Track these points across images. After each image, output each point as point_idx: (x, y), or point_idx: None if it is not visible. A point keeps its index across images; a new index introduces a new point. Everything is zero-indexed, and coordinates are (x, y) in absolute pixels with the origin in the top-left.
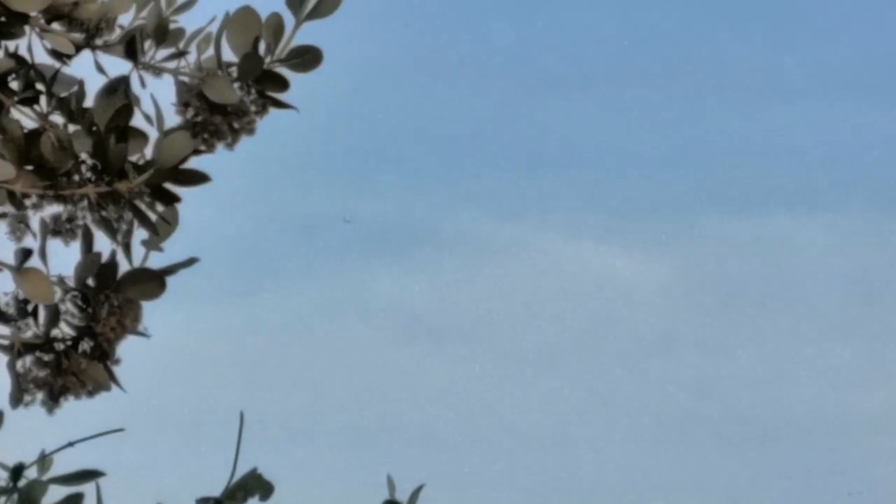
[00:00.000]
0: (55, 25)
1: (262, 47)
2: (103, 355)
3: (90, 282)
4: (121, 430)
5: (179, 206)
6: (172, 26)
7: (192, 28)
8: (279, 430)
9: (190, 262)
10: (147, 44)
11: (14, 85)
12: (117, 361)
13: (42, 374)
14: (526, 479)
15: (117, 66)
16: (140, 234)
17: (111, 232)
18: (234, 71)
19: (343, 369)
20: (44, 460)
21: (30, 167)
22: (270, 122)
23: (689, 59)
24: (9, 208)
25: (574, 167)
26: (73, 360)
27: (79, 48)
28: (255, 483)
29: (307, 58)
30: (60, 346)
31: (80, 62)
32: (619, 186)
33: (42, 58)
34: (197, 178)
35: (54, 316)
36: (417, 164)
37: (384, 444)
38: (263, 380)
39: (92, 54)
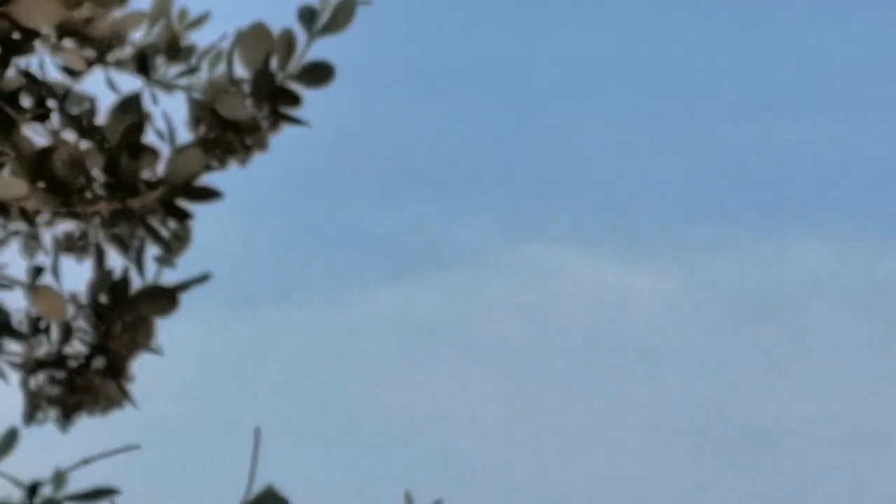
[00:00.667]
0: (67, 42)
1: (274, 63)
2: (116, 372)
3: (103, 299)
4: (137, 447)
5: (192, 223)
6: (184, 43)
7: (204, 44)
8: (292, 443)
9: (202, 278)
10: (159, 60)
11: (26, 102)
12: (131, 378)
13: (55, 391)
14: (540, 490)
15: (129, 82)
16: (152, 250)
17: (123, 249)
18: (246, 87)
19: (356, 383)
20: (59, 477)
21: (42, 184)
22: (281, 138)
23: (698, 75)
24: (21, 226)
25: (584, 185)
26: (85, 378)
27: (90, 65)
28: (271, 499)
29: (319, 73)
30: (73, 364)
31: (92, 79)
32: (628, 204)
33: (54, 75)
34: (209, 194)
35: (67, 333)
36: (431, 180)
37: (398, 457)
38: (277, 394)
39: (104, 71)
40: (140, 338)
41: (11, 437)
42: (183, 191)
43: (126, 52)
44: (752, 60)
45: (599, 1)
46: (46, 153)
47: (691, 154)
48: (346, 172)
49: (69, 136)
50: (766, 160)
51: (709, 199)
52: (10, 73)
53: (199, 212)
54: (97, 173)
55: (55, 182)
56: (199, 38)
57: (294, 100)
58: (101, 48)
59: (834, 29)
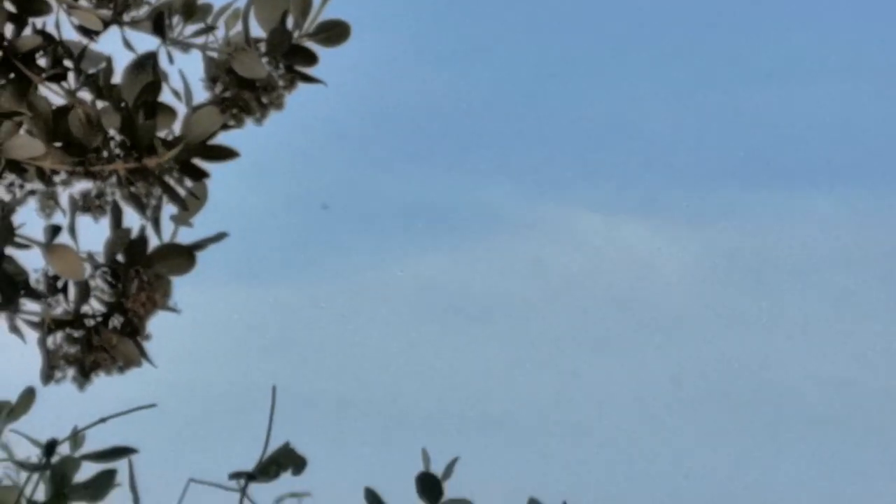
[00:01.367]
0: (83, 1)
1: (289, 22)
2: (134, 331)
3: (120, 258)
4: (153, 405)
5: (208, 182)
6: (200, 2)
7: (219, 3)
8: (310, 407)
9: (219, 237)
10: (175, 19)
11: (42, 62)
12: (148, 337)
13: (72, 350)
14: (555, 457)
15: (145, 42)
16: (169, 209)
17: (140, 208)
18: (262, 46)
19: (372, 348)
20: (76, 437)
21: (58, 144)
22: (299, 98)
23: (718, 33)
24: (38, 185)
25: (604, 144)
26: (103, 336)
27: (106, 24)
28: (288, 458)
29: (335, 32)
30: (91, 323)
31: (108, 38)
32: (649, 163)
33: (70, 34)
34: (225, 153)
35: (84, 292)
36: (449, 140)
37: (413, 421)
38: (294, 357)
39: (120, 30)
40: (157, 296)
41: (29, 396)
42: (199, 150)
43: (142, 11)
44: (771, 23)
45: None
46: (63, 113)
47: (711, 116)
48: (366, 132)
49: (85, 95)
50: (787, 123)
51: (729, 162)
52: (27, 32)
53: (216, 171)
54: (113, 133)
55: (71, 142)
56: None
57: (310, 58)
58: (117, 8)
59: None
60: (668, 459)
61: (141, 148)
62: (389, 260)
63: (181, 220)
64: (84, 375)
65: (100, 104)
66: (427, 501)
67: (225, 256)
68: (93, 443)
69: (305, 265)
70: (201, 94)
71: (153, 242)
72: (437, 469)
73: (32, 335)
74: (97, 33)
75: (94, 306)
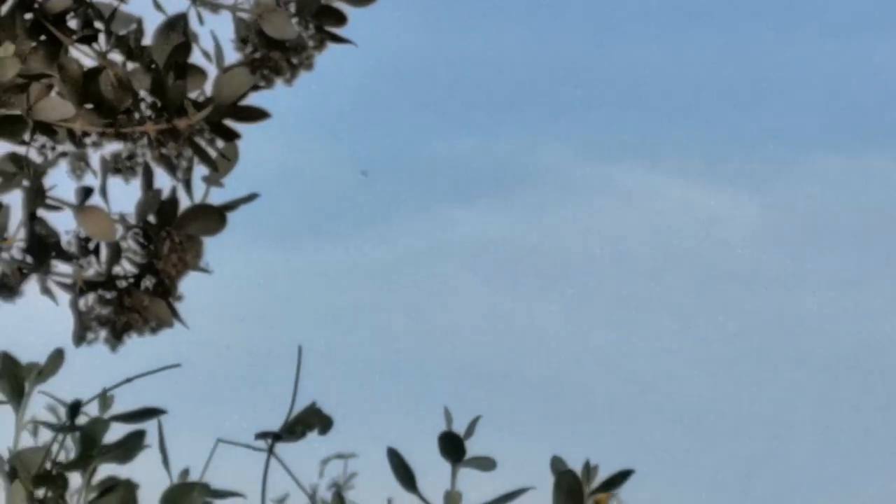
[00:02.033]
0: None
1: None
2: (165, 292)
3: (151, 219)
4: (177, 365)
5: (239, 143)
6: None
7: None
8: (342, 368)
9: (250, 197)
10: None
11: (73, 24)
12: (180, 298)
13: (105, 311)
14: (609, 417)
15: (175, 3)
16: (200, 170)
17: (171, 169)
18: (291, 6)
19: (418, 309)
20: (104, 398)
21: (89, 106)
22: (343, 58)
23: None
24: (69, 147)
25: (666, 105)
26: (135, 297)
27: None
28: (315, 417)
29: None
30: (122, 284)
31: (138, 0)
32: (711, 124)
33: None
34: (256, 114)
35: (116, 253)
36: (504, 101)
37: (453, 382)
38: (329, 319)
39: None
40: (188, 257)
41: (58, 357)
42: (230, 110)
43: None
44: None
45: None
46: (93, 74)
47: (773, 74)
48: (416, 93)
49: (116, 57)
50: (850, 80)
51: (791, 120)
52: None
53: (247, 131)
54: (144, 94)
55: (102, 103)
56: None
57: (340, 18)
58: None
59: None
60: (729, 422)
61: (171, 109)
62: (437, 220)
63: (212, 180)
64: (116, 337)
65: (130, 66)
66: (450, 460)
67: (259, 218)
68: (122, 404)
69: (346, 226)
70: (232, 55)
71: (184, 203)
72: (487, 433)
73: (64, 297)
74: None
75: (126, 267)
